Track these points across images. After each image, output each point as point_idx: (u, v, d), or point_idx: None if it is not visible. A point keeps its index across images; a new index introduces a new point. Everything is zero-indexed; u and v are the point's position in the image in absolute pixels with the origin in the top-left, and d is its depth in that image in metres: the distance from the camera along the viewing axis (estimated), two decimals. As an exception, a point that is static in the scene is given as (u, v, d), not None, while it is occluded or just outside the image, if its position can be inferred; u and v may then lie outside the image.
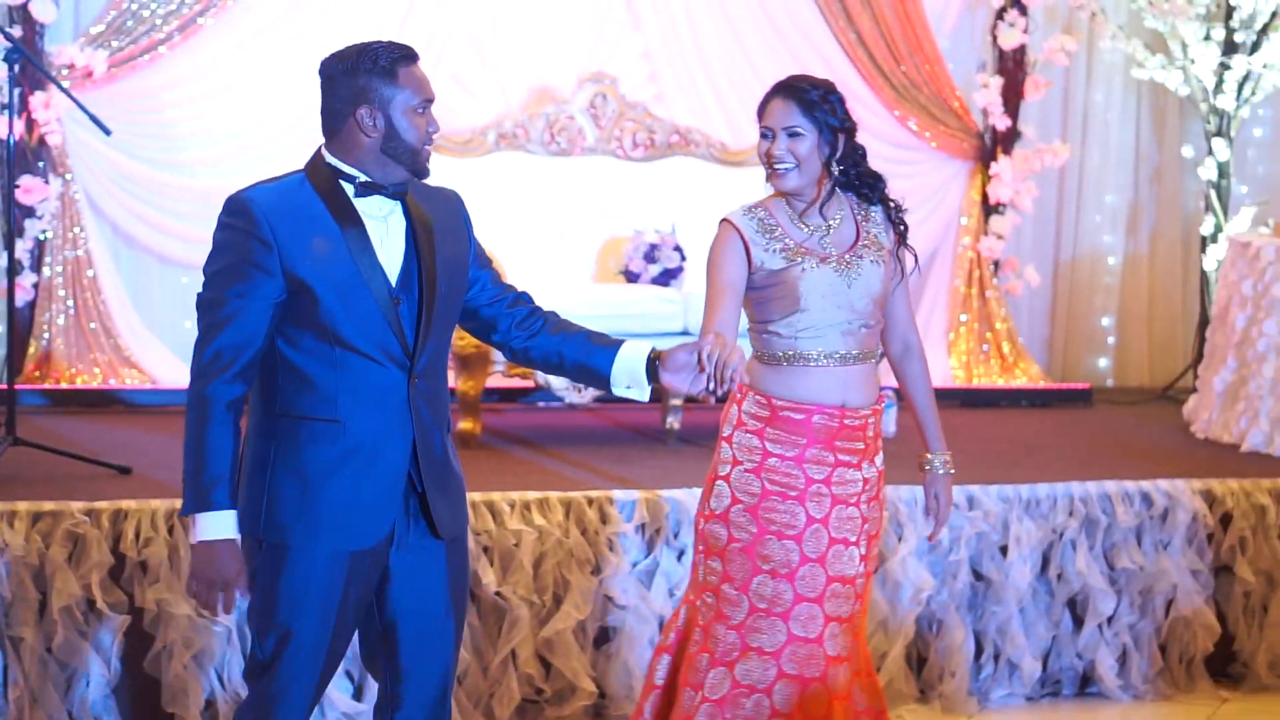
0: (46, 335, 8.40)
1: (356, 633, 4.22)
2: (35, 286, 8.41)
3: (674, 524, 6.36)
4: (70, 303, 8.43)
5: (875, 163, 4.70)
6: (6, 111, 7.22)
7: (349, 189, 4.02)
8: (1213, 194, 9.74)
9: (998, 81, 9.60)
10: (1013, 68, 9.69)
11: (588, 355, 4.25)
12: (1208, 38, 9.43)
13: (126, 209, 8.50)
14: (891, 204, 4.68)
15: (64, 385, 8.34)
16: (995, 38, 9.70)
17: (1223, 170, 9.70)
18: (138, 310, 8.61)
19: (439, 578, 4.19)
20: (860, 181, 4.63)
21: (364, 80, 3.98)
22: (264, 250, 3.91)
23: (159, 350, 8.55)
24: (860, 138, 4.64)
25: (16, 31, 8.11)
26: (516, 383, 8.09)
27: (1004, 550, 6.67)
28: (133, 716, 5.94)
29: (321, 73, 4.03)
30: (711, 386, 4.01)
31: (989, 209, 9.71)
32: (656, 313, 7.87)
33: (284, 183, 4.05)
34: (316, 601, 4.02)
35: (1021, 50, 9.68)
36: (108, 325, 8.41)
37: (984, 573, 6.67)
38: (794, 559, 4.52)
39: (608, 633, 6.34)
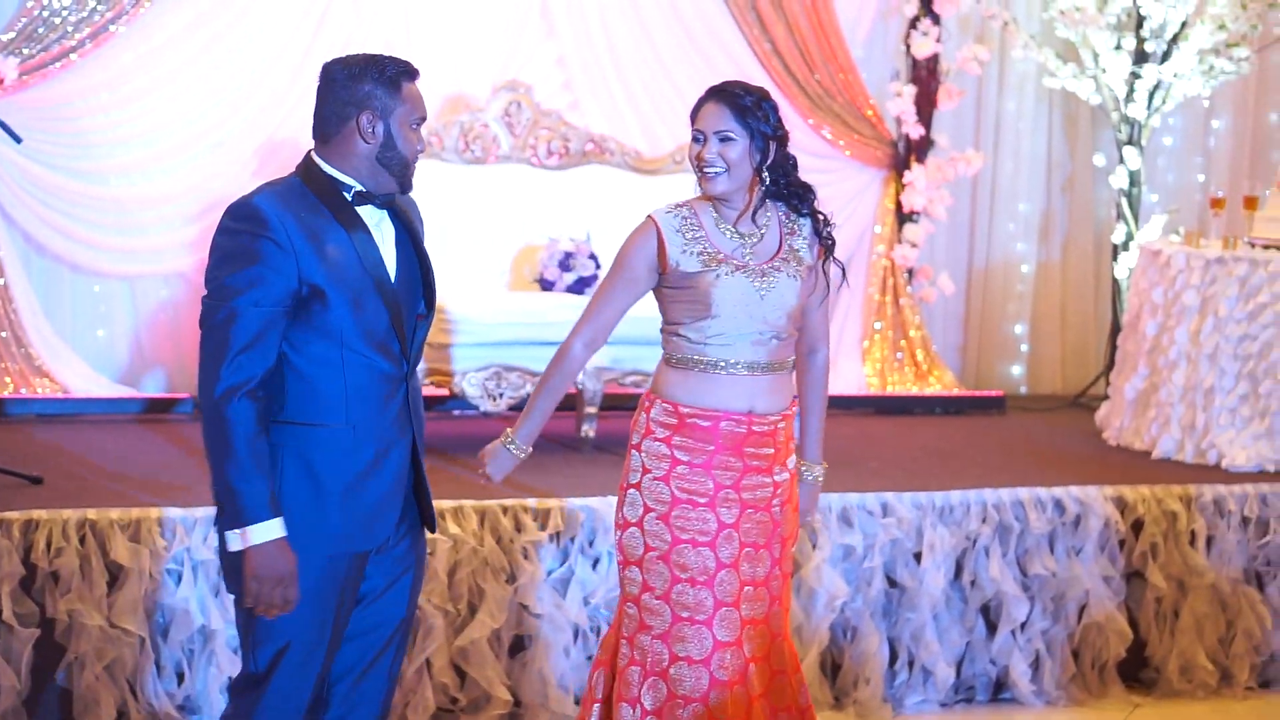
0: (-44, 344, 8.30)
1: None
2: (-55, 295, 8.31)
3: (589, 532, 6.37)
4: (-20, 311, 8.33)
5: (791, 172, 4.72)
6: (-84, 119, 7.13)
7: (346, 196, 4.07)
8: (1124, 202, 9.82)
9: (911, 90, 9.62)
10: (926, 76, 9.72)
11: None
12: (1119, 47, 9.50)
13: (38, 217, 8.41)
14: (820, 217, 4.69)
15: (-27, 394, 8.25)
16: (909, 47, 9.72)
17: (1134, 179, 9.79)
18: (49, 319, 8.50)
19: (409, 577, 4.27)
20: (790, 191, 4.65)
21: (369, 87, 4.02)
22: (279, 253, 3.91)
23: (70, 359, 8.45)
24: (779, 147, 4.65)
25: (-75, 38, 8.03)
26: (431, 390, 8.05)
27: (918, 557, 6.71)
28: (44, 729, 5.90)
29: (323, 75, 4.07)
30: None
31: (903, 217, 9.72)
32: (571, 321, 7.80)
33: (284, 187, 4.06)
34: (315, 607, 4.04)
35: (935, 59, 9.71)
36: (19, 334, 8.30)
37: (898, 579, 6.70)
38: (710, 565, 4.53)
39: (523, 641, 6.33)
